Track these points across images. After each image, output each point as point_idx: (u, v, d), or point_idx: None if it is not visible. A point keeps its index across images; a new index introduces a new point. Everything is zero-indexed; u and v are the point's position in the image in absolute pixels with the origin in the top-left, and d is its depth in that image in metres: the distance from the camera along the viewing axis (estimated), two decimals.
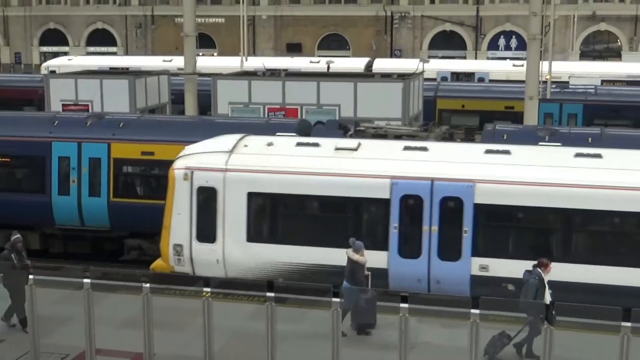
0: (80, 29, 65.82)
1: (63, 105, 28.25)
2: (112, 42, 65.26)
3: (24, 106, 31.91)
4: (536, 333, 12.76)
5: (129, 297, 14.51)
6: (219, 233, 16.99)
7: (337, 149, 17.27)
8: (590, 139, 20.42)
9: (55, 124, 22.27)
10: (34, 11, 66.52)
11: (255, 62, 41.39)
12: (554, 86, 31.63)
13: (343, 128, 22.05)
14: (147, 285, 13.38)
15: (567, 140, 19.47)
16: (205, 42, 56.08)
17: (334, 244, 16.08)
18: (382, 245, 16.18)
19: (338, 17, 60.61)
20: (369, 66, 43.24)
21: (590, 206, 15.51)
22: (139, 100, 28.30)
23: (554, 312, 11.88)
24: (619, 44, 56.11)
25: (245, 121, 24.06)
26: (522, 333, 13.27)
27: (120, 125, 22.09)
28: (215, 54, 58.63)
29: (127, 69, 39.86)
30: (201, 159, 17.45)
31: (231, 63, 40.39)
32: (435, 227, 15.91)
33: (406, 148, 17.22)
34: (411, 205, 16.08)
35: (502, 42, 57.74)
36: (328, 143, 17.68)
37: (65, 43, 65.78)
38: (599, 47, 56.93)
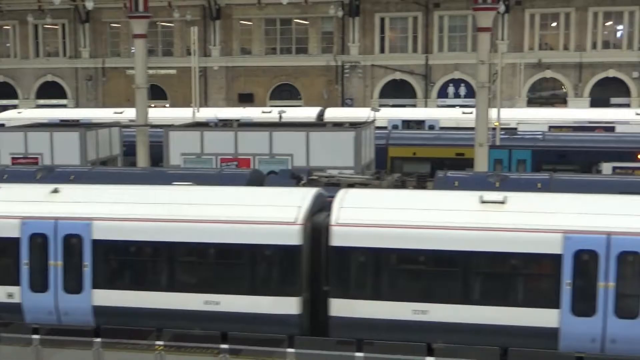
0: (29, 81, 65.26)
1: (12, 158, 27.91)
2: (62, 94, 64.77)
3: None
4: None
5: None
6: None
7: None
8: (539, 184, 20.76)
9: (4, 177, 21.97)
10: None
11: (207, 113, 41.42)
12: (502, 133, 32.11)
13: (296, 177, 22.12)
14: (99, 339, 13.07)
15: (517, 186, 19.75)
16: (157, 93, 55.88)
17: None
18: (14, 280, 17.13)
19: (289, 67, 61.05)
20: (320, 115, 43.49)
21: (196, 239, 16.39)
22: (90, 152, 28.08)
23: None
24: (565, 90, 57.21)
25: (197, 172, 23.98)
26: None
27: (71, 178, 21.88)
28: (167, 105, 58.52)
29: (78, 121, 39.53)
30: None
31: (183, 114, 40.34)
32: (60, 262, 16.96)
33: (54, 190, 17.95)
34: (39, 243, 17.05)
35: (451, 89, 58.45)
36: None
37: (15, 96, 65.15)
38: (545, 94, 57.88)
